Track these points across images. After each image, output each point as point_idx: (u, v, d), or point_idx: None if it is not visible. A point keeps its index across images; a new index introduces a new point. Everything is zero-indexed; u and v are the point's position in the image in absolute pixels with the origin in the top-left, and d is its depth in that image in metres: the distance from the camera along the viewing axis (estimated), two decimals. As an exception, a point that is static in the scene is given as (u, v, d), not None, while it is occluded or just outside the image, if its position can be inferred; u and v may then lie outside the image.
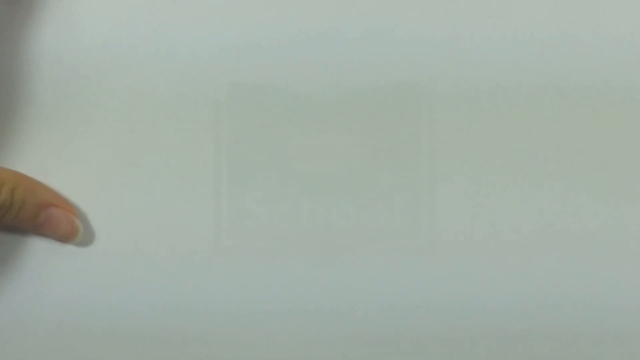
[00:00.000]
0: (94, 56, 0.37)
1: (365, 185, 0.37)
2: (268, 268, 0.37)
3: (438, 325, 0.37)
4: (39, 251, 0.38)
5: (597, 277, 0.37)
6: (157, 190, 0.37)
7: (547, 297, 0.37)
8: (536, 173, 0.37)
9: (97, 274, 0.38)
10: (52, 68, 0.37)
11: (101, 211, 0.38)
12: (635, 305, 0.37)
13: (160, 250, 0.37)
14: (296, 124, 0.37)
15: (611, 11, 0.38)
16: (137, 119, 0.37)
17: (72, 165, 0.38)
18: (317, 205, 0.37)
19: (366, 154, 0.37)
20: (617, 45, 0.37)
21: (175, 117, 0.37)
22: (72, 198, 0.38)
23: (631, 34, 0.37)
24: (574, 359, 0.37)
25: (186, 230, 0.37)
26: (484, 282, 0.37)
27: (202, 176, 0.37)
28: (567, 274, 0.37)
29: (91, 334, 0.38)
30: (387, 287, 0.37)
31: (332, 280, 0.37)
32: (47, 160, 0.37)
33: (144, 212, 0.37)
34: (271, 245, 0.37)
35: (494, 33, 0.37)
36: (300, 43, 0.37)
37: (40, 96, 0.37)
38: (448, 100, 0.37)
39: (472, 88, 0.37)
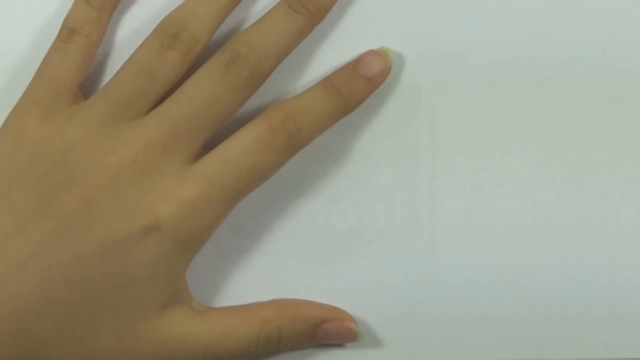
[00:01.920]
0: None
1: (365, 185, 0.37)
2: (268, 268, 0.37)
3: (438, 325, 0.37)
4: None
5: (600, 277, 0.37)
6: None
7: (548, 297, 0.37)
8: (537, 173, 0.37)
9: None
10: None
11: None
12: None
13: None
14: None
15: (612, 8, 0.37)
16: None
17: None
18: (317, 205, 0.37)
19: (366, 154, 0.37)
20: (618, 46, 0.37)
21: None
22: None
23: (633, 31, 0.37)
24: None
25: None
26: (483, 282, 0.37)
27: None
28: (568, 274, 0.37)
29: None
30: (386, 287, 0.37)
31: (332, 280, 0.37)
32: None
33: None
34: (271, 245, 0.38)
35: (495, 32, 0.37)
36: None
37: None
38: (448, 100, 0.37)
39: (472, 88, 0.37)
